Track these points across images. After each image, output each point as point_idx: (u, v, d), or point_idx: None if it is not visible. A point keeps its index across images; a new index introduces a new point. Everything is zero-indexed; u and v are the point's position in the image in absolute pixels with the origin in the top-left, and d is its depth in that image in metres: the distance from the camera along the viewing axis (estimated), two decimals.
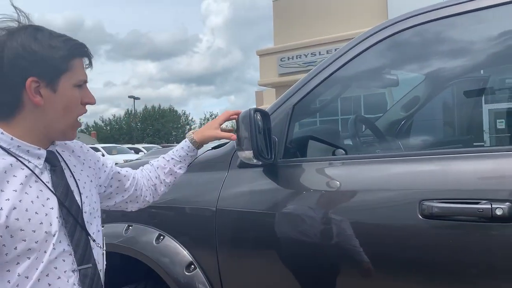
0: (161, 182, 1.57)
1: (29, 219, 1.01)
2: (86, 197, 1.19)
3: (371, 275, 1.47)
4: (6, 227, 0.97)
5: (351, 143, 1.97)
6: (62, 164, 1.18)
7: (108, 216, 2.15)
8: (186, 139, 1.57)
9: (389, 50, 1.76)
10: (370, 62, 1.78)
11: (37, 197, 1.05)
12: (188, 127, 58.42)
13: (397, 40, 1.67)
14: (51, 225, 1.05)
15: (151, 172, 1.57)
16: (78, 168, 1.23)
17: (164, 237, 1.90)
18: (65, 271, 1.07)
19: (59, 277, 1.06)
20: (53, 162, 1.14)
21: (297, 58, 16.82)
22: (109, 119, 57.97)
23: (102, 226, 2.04)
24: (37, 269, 1.03)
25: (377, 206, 1.48)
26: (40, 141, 1.11)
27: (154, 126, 54.29)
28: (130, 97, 39.82)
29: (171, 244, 1.88)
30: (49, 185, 1.09)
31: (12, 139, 1.07)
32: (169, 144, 25.89)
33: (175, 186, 1.95)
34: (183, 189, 1.93)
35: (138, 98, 40.86)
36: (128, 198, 1.48)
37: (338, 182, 1.59)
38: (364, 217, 1.49)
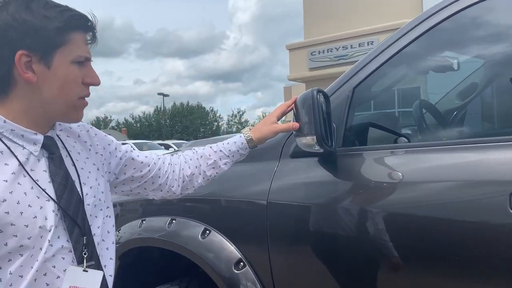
0: (199, 173, 1.38)
1: (21, 213, 0.91)
2: (90, 187, 1.07)
3: (448, 277, 1.30)
4: None
5: (416, 130, 1.79)
6: (63, 151, 1.06)
7: (149, 210, 2.05)
8: (242, 135, 1.40)
9: (457, 28, 1.58)
10: (437, 41, 1.60)
11: (32, 188, 0.94)
12: (216, 123, 58.72)
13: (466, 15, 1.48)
14: (46, 219, 0.94)
15: (192, 159, 1.39)
16: (82, 156, 1.11)
17: (210, 231, 1.78)
18: (64, 270, 0.96)
19: (58, 277, 0.95)
20: (51, 149, 1.02)
21: (328, 52, 16.49)
22: (139, 116, 58.87)
23: (144, 219, 1.95)
24: (32, 267, 0.93)
25: (455, 200, 1.30)
26: (37, 124, 1.00)
27: (182, 123, 54.81)
28: (159, 94, 40.38)
29: (218, 239, 1.76)
30: (46, 174, 0.98)
31: (4, 121, 0.96)
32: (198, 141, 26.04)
33: (221, 177, 1.82)
34: (230, 180, 1.80)
35: (167, 95, 41.37)
36: (146, 185, 1.30)
37: (406, 173, 1.42)
38: (438, 212, 1.32)
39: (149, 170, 1.30)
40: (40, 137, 1.00)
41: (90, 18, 1.00)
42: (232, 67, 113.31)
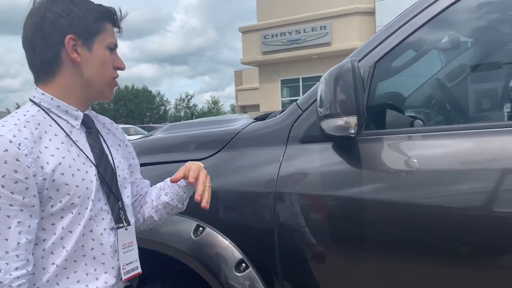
0: (152, 202, 1.32)
1: (73, 175, 1.05)
2: (120, 162, 1.22)
3: (488, 276, 1.17)
4: (53, 181, 1.02)
5: (442, 112, 1.64)
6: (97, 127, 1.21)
7: None
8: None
9: None
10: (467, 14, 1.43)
11: (78, 155, 1.10)
12: (163, 108, 57.26)
13: None
14: (91, 182, 1.09)
15: (151, 190, 1.37)
16: (110, 137, 1.26)
17: (204, 229, 1.54)
18: (104, 229, 1.12)
19: (101, 234, 1.11)
20: (89, 125, 1.17)
21: (281, 35, 16.30)
22: None
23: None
24: (79, 224, 1.06)
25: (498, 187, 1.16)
26: (78, 102, 1.14)
27: (127, 107, 52.86)
28: None
29: (214, 237, 1.52)
30: (87, 145, 1.13)
31: (52, 99, 1.11)
32: (152, 125, 25.05)
33: (216, 166, 1.59)
34: (228, 169, 1.57)
35: None
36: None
37: (443, 160, 1.26)
38: (478, 202, 1.18)
39: (138, 189, 1.36)
40: (80, 114, 1.14)
41: (118, 13, 1.17)
42: (179, 49, 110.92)
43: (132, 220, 1.22)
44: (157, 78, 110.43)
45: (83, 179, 1.07)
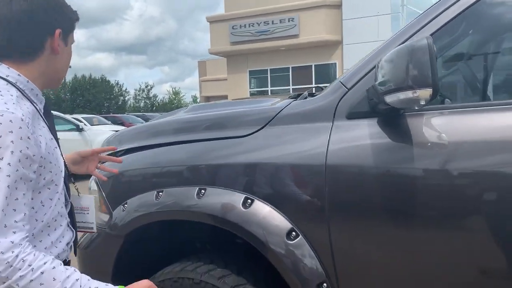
0: None
1: (52, 154, 1.17)
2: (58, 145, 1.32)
3: None
4: (44, 159, 1.13)
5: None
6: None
7: (166, 180, 1.82)
8: None
9: None
10: None
11: (51, 138, 1.22)
12: (122, 98, 55.84)
13: None
14: (60, 161, 1.24)
15: None
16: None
17: (253, 201, 1.61)
18: (63, 202, 1.28)
19: (62, 206, 1.26)
20: (47, 108, 1.28)
21: (249, 26, 16.33)
22: None
23: (162, 191, 1.77)
24: (51, 199, 1.19)
25: None
26: (40, 88, 1.24)
27: (84, 97, 51.22)
28: None
29: (264, 208, 1.60)
30: (47, 128, 1.22)
31: (27, 82, 1.19)
32: (114, 115, 24.30)
33: (263, 142, 1.66)
34: (276, 144, 1.64)
35: None
36: None
37: (497, 135, 1.38)
38: None
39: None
40: (43, 98, 1.26)
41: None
42: (137, 39, 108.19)
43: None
44: (114, 68, 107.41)
45: (57, 158, 1.20)
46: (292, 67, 16.60)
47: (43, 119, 1.22)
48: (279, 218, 1.58)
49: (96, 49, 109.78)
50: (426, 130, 1.43)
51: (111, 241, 1.95)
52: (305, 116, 1.64)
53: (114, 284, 1.15)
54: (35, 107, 1.17)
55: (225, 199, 1.65)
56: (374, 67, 1.50)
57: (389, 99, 1.32)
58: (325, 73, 16.27)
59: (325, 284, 1.53)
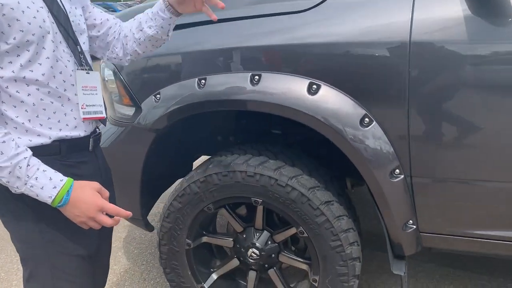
0: (132, 36, 1.33)
1: (23, 11, 1.03)
2: (70, 7, 1.19)
3: None
4: (3, 15, 1.00)
5: None
6: None
7: (207, 65, 1.59)
8: None
9: None
10: None
11: None
12: None
13: None
14: (44, 21, 1.07)
15: (130, 23, 1.37)
16: None
17: (319, 86, 1.44)
18: (72, 70, 1.14)
19: (70, 75, 1.14)
20: None
21: None
22: None
23: (204, 78, 1.55)
24: (40, 64, 1.06)
25: None
26: None
27: None
28: None
29: (332, 94, 1.44)
30: None
31: None
32: None
33: (325, 17, 1.45)
34: (342, 18, 1.42)
35: None
36: (97, 40, 1.35)
37: None
38: None
39: (108, 27, 1.35)
40: None
41: None
42: None
43: (92, 66, 1.24)
44: None
45: (34, 17, 1.05)
46: None
47: None
48: (350, 103, 1.43)
49: None
50: None
51: (141, 136, 1.75)
52: None
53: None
54: None
55: (286, 85, 1.47)
56: None
57: None
58: None
59: (397, 170, 1.46)
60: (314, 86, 1.44)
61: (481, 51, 1.30)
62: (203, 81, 1.57)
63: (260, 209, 1.72)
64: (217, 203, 1.72)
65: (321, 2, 1.46)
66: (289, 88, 1.46)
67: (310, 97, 1.44)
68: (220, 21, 1.57)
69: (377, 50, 1.38)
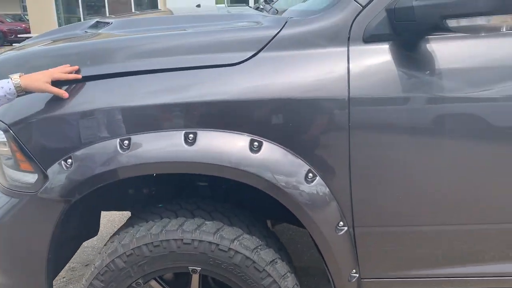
0: None
1: None
2: None
3: None
4: None
5: None
6: None
7: (132, 124, 1.40)
8: (10, 80, 1.37)
9: None
10: None
11: None
12: None
13: None
14: None
15: None
16: None
17: (261, 143, 1.36)
18: None
19: None
20: None
21: None
22: None
23: (128, 138, 1.40)
24: None
25: None
26: None
27: None
28: None
29: (274, 151, 1.37)
30: None
31: None
32: None
33: (262, 72, 1.41)
34: (280, 74, 1.37)
35: None
36: None
37: None
38: None
39: None
40: None
41: None
42: None
43: None
44: None
45: None
46: None
47: None
48: (294, 160, 1.38)
49: None
50: (457, 54, 1.36)
51: (47, 208, 1.46)
52: (312, 40, 1.39)
53: None
54: None
55: (226, 143, 1.35)
56: None
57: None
58: None
59: (341, 223, 1.45)
60: (256, 143, 1.36)
61: (416, 106, 1.35)
62: (126, 142, 1.36)
63: (195, 277, 1.56)
64: (148, 276, 1.51)
65: (252, 57, 1.38)
66: (229, 147, 1.35)
67: (253, 155, 1.35)
68: (140, 72, 1.40)
69: (318, 106, 1.35)
